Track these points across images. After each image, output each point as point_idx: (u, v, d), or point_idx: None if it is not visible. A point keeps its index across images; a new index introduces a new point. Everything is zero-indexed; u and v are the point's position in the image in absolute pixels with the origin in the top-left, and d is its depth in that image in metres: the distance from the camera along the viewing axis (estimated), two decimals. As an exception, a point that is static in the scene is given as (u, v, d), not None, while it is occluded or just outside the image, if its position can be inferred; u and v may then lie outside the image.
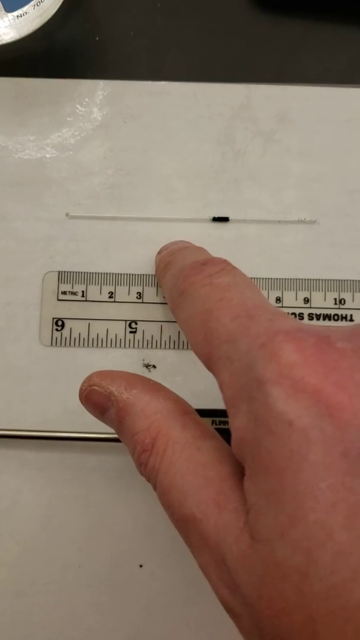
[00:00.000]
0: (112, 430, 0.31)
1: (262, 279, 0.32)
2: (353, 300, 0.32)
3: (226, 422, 0.29)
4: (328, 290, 0.32)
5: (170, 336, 0.32)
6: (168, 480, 0.21)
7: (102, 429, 0.31)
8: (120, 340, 0.32)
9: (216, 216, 0.33)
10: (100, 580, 0.30)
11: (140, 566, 0.31)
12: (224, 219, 0.33)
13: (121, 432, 0.24)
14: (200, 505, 0.20)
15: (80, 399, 0.25)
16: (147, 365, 0.32)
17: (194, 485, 0.20)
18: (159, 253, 0.31)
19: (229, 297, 0.22)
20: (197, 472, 0.21)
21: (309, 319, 0.32)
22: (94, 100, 0.34)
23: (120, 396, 0.24)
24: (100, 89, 0.34)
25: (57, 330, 0.32)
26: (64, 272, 0.32)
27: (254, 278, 0.32)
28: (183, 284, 0.24)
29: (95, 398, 0.25)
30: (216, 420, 0.30)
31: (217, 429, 0.29)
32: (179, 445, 0.22)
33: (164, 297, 0.32)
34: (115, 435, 0.31)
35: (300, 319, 0.32)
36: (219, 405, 0.31)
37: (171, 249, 0.30)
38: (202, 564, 0.20)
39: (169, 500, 0.21)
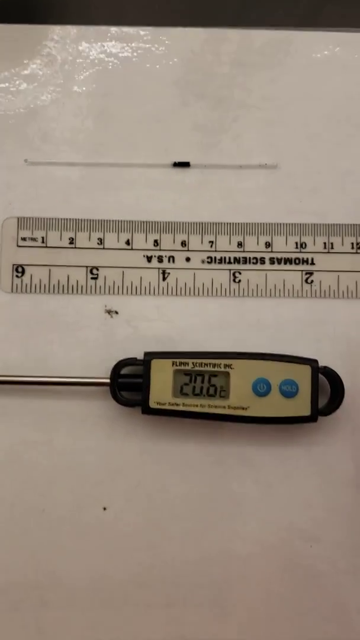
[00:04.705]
0: (76, 374, 0.33)
1: (224, 223, 0.35)
2: (314, 244, 0.35)
3: (186, 363, 0.32)
4: (289, 235, 0.35)
5: (132, 282, 0.34)
6: None
7: (65, 374, 0.33)
8: (82, 286, 0.34)
9: (177, 161, 0.35)
10: (64, 523, 0.33)
11: (104, 509, 0.33)
12: (185, 164, 0.35)
13: None
14: None
15: None
16: (109, 312, 0.34)
17: None
18: None
19: None
20: None
21: (270, 263, 0.35)
22: (53, 45, 0.36)
23: None
24: (59, 34, 0.36)
25: (17, 276, 0.34)
26: (24, 218, 0.34)
27: (216, 223, 0.35)
28: None
29: None
30: (176, 362, 0.32)
31: (176, 370, 0.32)
32: None
33: (125, 243, 0.34)
34: (79, 379, 0.33)
35: (261, 263, 0.35)
36: (180, 349, 0.34)
37: None
38: None
39: None
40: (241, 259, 0.35)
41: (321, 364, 0.32)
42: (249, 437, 0.33)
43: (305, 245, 0.35)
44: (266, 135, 0.35)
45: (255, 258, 0.35)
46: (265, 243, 0.35)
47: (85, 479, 0.33)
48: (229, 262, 0.35)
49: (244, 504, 0.33)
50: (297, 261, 0.35)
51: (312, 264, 0.35)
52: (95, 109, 0.35)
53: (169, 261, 0.34)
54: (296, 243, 0.35)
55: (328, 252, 0.35)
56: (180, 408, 0.32)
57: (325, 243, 0.35)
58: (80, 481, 0.33)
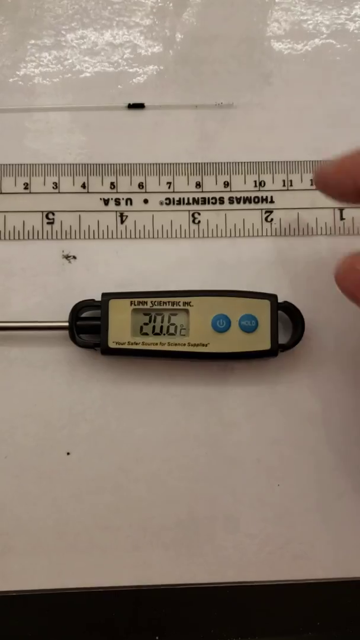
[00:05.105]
0: (34, 319, 0.33)
1: (181, 164, 0.34)
2: (273, 182, 0.34)
3: (144, 302, 0.32)
4: (248, 173, 0.34)
5: (89, 226, 0.34)
6: None
7: (23, 319, 0.33)
8: (38, 232, 0.34)
9: (132, 102, 0.35)
10: (27, 469, 0.33)
11: (68, 454, 0.33)
12: (140, 106, 0.35)
13: None
14: None
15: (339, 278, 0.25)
16: (67, 257, 0.34)
17: None
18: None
19: None
20: None
21: (230, 203, 0.34)
22: (1, -12, 0.35)
23: None
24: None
25: (-28, 223, 0.34)
26: (-23, 164, 0.34)
27: (173, 164, 0.34)
28: None
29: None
30: (135, 301, 0.32)
31: (135, 309, 0.32)
32: None
33: (81, 186, 0.34)
34: (38, 324, 0.33)
35: (220, 203, 0.34)
36: (140, 289, 0.33)
37: None
38: None
39: None
40: (200, 200, 0.34)
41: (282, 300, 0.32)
42: (212, 377, 0.33)
43: (264, 183, 0.34)
44: (222, 74, 0.35)
45: (214, 198, 0.34)
46: (224, 183, 0.34)
47: (47, 424, 0.33)
48: (188, 203, 0.34)
49: (209, 444, 0.33)
50: (256, 200, 0.34)
51: (272, 202, 0.34)
52: (47, 53, 0.35)
53: (126, 204, 0.34)
54: (255, 182, 0.34)
55: (287, 190, 0.34)
56: (140, 347, 0.31)
57: (284, 181, 0.34)
58: (43, 427, 0.33)
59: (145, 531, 0.32)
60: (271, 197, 0.34)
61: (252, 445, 0.33)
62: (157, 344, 0.31)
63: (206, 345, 0.31)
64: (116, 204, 0.34)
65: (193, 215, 0.34)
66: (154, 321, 0.32)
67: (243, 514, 0.33)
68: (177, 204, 0.34)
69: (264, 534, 0.33)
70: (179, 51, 0.35)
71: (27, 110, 0.34)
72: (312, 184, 0.34)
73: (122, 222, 0.34)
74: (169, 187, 0.34)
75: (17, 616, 0.32)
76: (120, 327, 0.31)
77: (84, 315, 0.32)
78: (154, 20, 0.35)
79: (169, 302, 0.32)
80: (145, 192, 0.34)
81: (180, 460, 0.33)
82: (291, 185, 0.34)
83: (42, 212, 0.34)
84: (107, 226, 0.34)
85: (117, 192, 0.34)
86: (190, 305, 0.32)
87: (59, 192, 0.34)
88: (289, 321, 0.33)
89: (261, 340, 0.31)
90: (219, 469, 0.33)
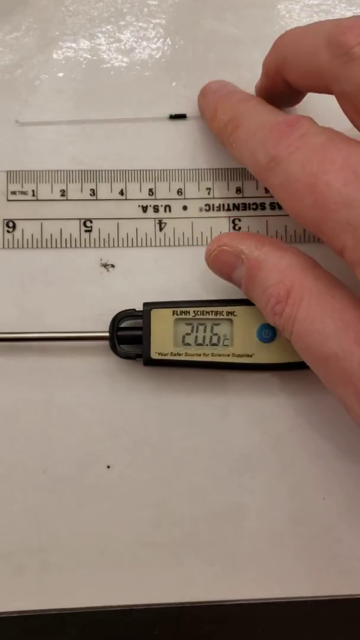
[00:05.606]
0: (73, 329, 0.32)
1: (221, 169, 0.34)
2: (315, 188, 0.34)
3: (187, 312, 0.31)
4: (289, 179, 0.34)
5: (127, 234, 0.33)
6: (307, 326, 0.25)
7: (62, 329, 0.32)
8: (75, 239, 0.33)
9: (173, 114, 0.34)
10: (67, 484, 0.32)
11: (108, 467, 0.32)
12: (182, 116, 0.34)
13: (252, 288, 0.28)
14: (342, 345, 0.24)
15: (208, 259, 0.29)
16: (105, 265, 0.33)
17: (334, 327, 0.24)
18: (203, 96, 0.33)
19: (331, 159, 0.24)
20: (334, 316, 0.25)
21: (271, 209, 0.34)
22: (35, -8, 0.35)
23: (251, 254, 0.27)
24: (41, -20, 0.35)
25: (8, 232, 0.33)
26: (13, 171, 0.33)
27: (213, 169, 0.34)
28: (274, 149, 0.26)
29: (224, 257, 0.28)
30: (177, 310, 0.31)
31: (177, 319, 0.31)
32: (314, 294, 0.25)
33: (119, 193, 0.33)
34: (77, 334, 0.32)
35: (262, 209, 0.34)
36: (179, 298, 0.33)
37: (222, 94, 0.32)
38: (343, 397, 0.25)
39: (308, 343, 0.25)
40: (240, 206, 0.34)
41: (327, 310, 0.32)
42: (255, 388, 0.32)
43: (306, 188, 0.34)
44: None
45: (255, 204, 0.34)
46: (265, 188, 0.34)
47: (87, 437, 0.32)
48: (228, 209, 0.34)
49: (252, 456, 0.32)
50: (298, 206, 0.34)
51: (314, 207, 0.34)
52: (83, 62, 0.34)
53: (165, 210, 0.33)
54: (296, 187, 0.34)
55: (330, 195, 0.34)
56: (183, 358, 0.31)
57: (326, 186, 0.34)
58: (82, 440, 0.32)
59: (188, 546, 0.32)
60: (314, 202, 0.34)
61: (297, 457, 0.32)
62: (200, 354, 0.31)
63: (251, 356, 0.31)
64: (155, 211, 0.33)
65: (234, 221, 0.34)
66: (197, 331, 0.31)
67: (288, 528, 0.32)
68: (217, 210, 0.34)
69: (310, 549, 0.32)
70: (219, 54, 0.34)
71: (65, 122, 0.34)
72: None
73: (160, 229, 0.33)
74: (209, 193, 0.34)
75: (57, 635, 0.31)
76: (163, 338, 0.31)
77: (123, 325, 0.32)
78: (192, 23, 0.34)
79: (212, 311, 0.31)
80: (184, 198, 0.34)
81: (223, 474, 0.32)
82: (334, 190, 0.34)
83: (80, 219, 0.33)
84: (146, 233, 0.33)
85: (155, 199, 0.33)
86: (234, 315, 0.31)
87: (96, 199, 0.33)
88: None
89: (308, 350, 0.31)
90: (262, 482, 0.32)
